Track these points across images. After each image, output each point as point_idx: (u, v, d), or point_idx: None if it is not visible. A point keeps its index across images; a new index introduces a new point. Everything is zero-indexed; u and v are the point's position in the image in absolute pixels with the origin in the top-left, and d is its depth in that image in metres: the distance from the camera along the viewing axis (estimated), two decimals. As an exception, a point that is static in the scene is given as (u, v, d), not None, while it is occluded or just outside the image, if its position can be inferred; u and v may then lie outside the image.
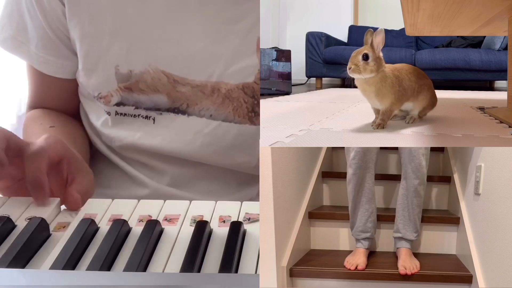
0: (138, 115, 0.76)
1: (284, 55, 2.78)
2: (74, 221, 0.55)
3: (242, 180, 0.80)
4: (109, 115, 0.77)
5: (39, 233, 0.52)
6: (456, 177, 1.09)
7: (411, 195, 0.95)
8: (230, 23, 0.71)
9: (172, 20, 0.71)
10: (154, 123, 0.76)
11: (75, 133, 0.82)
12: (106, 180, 0.83)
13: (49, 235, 0.53)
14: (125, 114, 0.76)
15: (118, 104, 0.75)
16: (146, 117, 0.76)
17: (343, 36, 3.94)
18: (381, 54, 0.86)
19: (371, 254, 0.98)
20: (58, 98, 0.84)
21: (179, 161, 0.77)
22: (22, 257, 0.48)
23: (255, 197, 0.81)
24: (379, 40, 0.85)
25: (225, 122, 0.74)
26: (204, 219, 0.54)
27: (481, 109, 1.37)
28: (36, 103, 0.86)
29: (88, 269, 0.46)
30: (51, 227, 0.54)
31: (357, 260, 0.90)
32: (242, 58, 0.72)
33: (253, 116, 0.74)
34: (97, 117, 0.79)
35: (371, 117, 0.97)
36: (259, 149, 0.76)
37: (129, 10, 0.71)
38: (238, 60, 0.72)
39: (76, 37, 0.74)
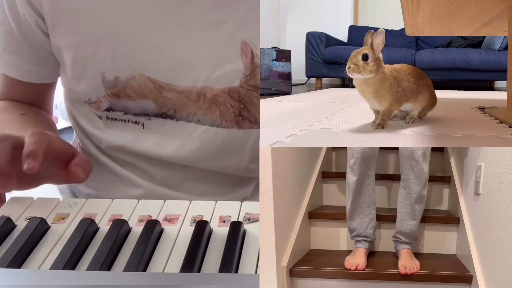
0: (128, 120, 0.76)
1: (284, 55, 2.78)
2: (75, 219, 0.55)
3: (234, 181, 0.80)
4: (101, 119, 0.78)
5: (39, 233, 0.52)
6: (456, 177, 1.09)
7: (413, 202, 0.94)
8: (213, 27, 0.71)
9: (155, 27, 0.71)
10: (143, 128, 0.76)
11: (45, 120, 0.84)
12: (98, 182, 0.83)
13: (48, 228, 0.53)
14: (115, 119, 0.77)
15: (107, 110, 0.76)
16: (136, 122, 0.76)
17: (343, 36, 3.94)
18: (380, 55, 0.86)
19: (371, 254, 0.98)
20: (24, 97, 0.85)
21: (169, 164, 0.78)
22: (22, 257, 0.48)
23: (249, 197, 0.81)
24: (379, 41, 0.85)
25: (213, 127, 0.74)
26: (204, 219, 0.54)
27: (481, 109, 1.37)
28: (1, 98, 0.86)
29: (88, 269, 0.46)
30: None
31: (357, 260, 0.90)
32: (226, 63, 0.71)
33: (240, 120, 0.74)
34: (88, 121, 0.80)
35: (371, 117, 0.97)
36: (247, 152, 0.76)
37: (112, 18, 0.71)
38: (223, 65, 0.71)
39: (61, 47, 0.75)
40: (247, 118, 0.74)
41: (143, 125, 0.76)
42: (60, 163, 0.62)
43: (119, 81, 0.73)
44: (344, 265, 0.90)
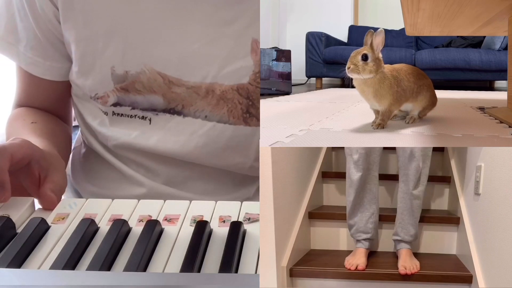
0: (135, 116, 0.76)
1: (284, 55, 2.78)
2: (75, 219, 0.55)
3: (238, 181, 0.80)
4: (107, 115, 0.77)
5: (39, 233, 0.52)
6: (456, 177, 1.09)
7: (411, 199, 0.94)
8: (224, 24, 0.71)
9: (166, 22, 0.71)
10: (150, 123, 0.76)
11: (56, 129, 0.83)
12: (102, 180, 0.83)
13: (48, 228, 0.53)
14: (122, 115, 0.77)
15: (115, 105, 0.76)
16: (143, 117, 0.76)
17: (343, 36, 3.94)
18: (380, 55, 0.86)
19: (371, 254, 0.98)
20: (45, 99, 0.85)
21: (174, 161, 0.77)
22: (22, 257, 0.48)
23: (252, 197, 0.81)
24: (379, 40, 0.85)
25: (220, 123, 0.74)
26: (204, 219, 0.54)
27: (481, 109, 1.37)
28: (23, 103, 0.86)
29: (88, 269, 0.46)
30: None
31: (357, 260, 0.90)
32: (236, 59, 0.71)
33: (247, 117, 0.74)
34: (93, 117, 0.80)
35: (371, 117, 0.97)
36: (253, 150, 0.76)
37: (124, 12, 0.71)
38: (233, 61, 0.71)
39: (71, 40, 0.74)
40: (254, 115, 0.74)
41: (150, 120, 0.76)
42: (32, 176, 0.60)
43: (128, 75, 0.73)
44: (344, 265, 0.90)
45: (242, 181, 0.81)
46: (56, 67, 0.80)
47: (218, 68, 0.72)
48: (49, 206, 0.58)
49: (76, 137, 0.92)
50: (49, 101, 0.85)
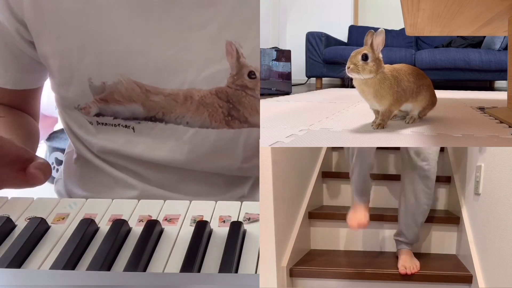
0: (118, 125, 0.76)
1: (284, 55, 2.78)
2: (75, 219, 0.55)
3: (230, 181, 0.80)
4: (92, 124, 0.78)
5: (39, 233, 0.52)
6: (456, 177, 1.09)
7: (417, 202, 0.93)
8: (196, 28, 0.70)
9: (138, 30, 0.71)
10: (134, 131, 0.76)
11: (24, 123, 0.84)
12: (93, 185, 0.83)
13: (48, 228, 0.53)
14: (106, 124, 0.77)
15: (97, 115, 0.76)
16: (126, 126, 0.76)
17: (343, 36, 3.94)
18: (380, 55, 0.86)
19: (371, 254, 0.98)
20: (8, 103, 0.86)
21: (163, 167, 0.78)
22: (22, 257, 0.48)
23: (247, 195, 0.81)
24: (379, 41, 0.85)
25: (203, 129, 0.74)
26: (204, 219, 0.54)
27: (481, 109, 1.37)
28: None
29: (88, 269, 0.46)
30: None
31: (359, 215, 0.89)
32: (212, 64, 0.71)
33: (230, 120, 0.74)
34: (79, 126, 0.80)
35: (371, 117, 0.97)
36: (240, 152, 0.76)
37: (95, 24, 0.71)
38: (209, 66, 0.71)
39: (47, 54, 0.75)
40: (236, 118, 0.74)
41: (133, 129, 0.76)
42: (17, 168, 0.61)
43: (106, 86, 0.73)
44: (347, 222, 0.89)
45: (234, 181, 0.81)
46: (18, 77, 0.81)
47: (195, 74, 0.71)
48: (36, 182, 0.58)
49: (69, 142, 0.93)
50: (11, 103, 0.86)
